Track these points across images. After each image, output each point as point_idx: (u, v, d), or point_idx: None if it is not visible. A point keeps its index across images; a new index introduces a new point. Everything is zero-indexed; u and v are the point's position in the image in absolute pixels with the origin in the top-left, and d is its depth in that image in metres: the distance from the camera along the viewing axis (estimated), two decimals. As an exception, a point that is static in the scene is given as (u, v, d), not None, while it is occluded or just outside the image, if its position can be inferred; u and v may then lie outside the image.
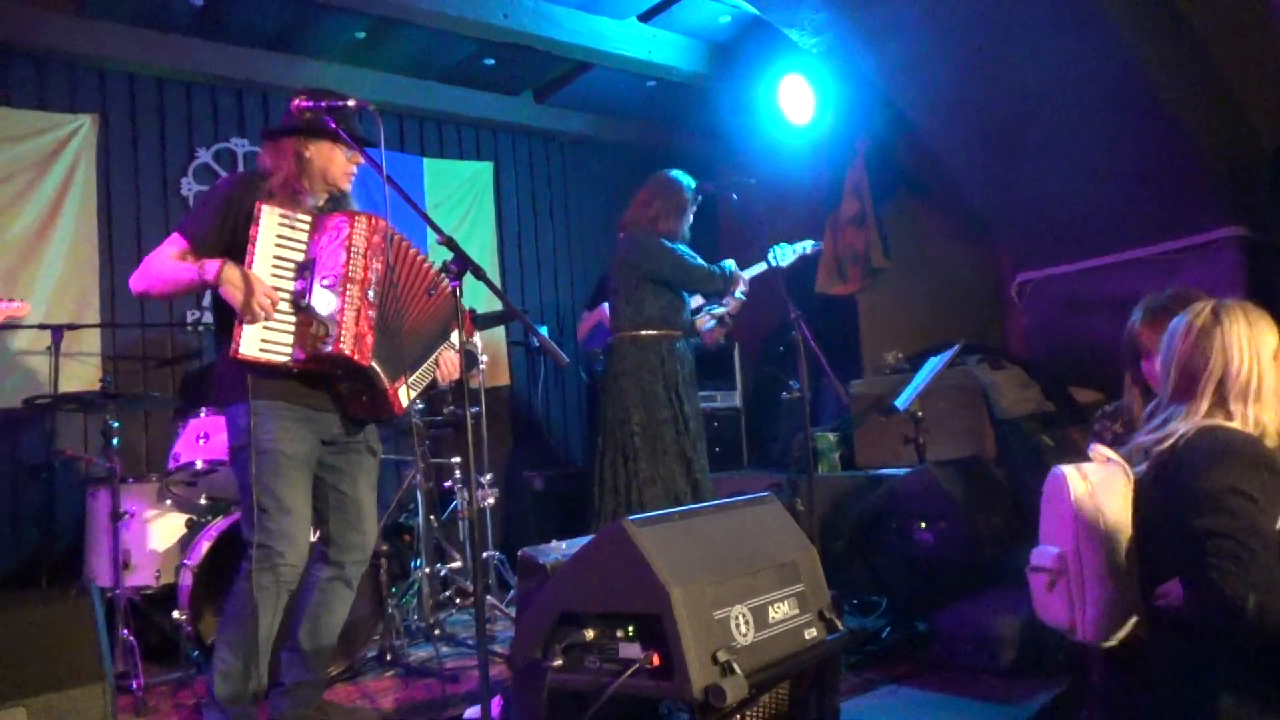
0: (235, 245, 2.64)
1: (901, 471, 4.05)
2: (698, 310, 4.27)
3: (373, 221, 2.72)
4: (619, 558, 1.93)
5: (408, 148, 5.93)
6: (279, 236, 2.66)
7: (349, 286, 2.64)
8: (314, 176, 2.79)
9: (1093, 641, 1.95)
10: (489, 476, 4.56)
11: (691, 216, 4.13)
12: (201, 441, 3.79)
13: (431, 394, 4.55)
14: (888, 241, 5.65)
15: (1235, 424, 1.85)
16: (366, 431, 2.94)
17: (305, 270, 2.66)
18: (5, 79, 4.64)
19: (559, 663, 1.95)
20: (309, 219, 2.71)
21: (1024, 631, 3.15)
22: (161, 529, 3.83)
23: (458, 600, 4.48)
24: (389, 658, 3.64)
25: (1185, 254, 4.48)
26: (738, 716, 1.93)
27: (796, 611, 2.13)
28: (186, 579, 3.45)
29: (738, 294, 4.14)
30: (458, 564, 4.52)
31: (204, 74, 5.11)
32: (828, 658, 2.21)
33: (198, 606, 3.39)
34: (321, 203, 2.84)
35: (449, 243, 2.41)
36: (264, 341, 2.60)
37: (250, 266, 2.59)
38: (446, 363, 3.02)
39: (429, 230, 2.49)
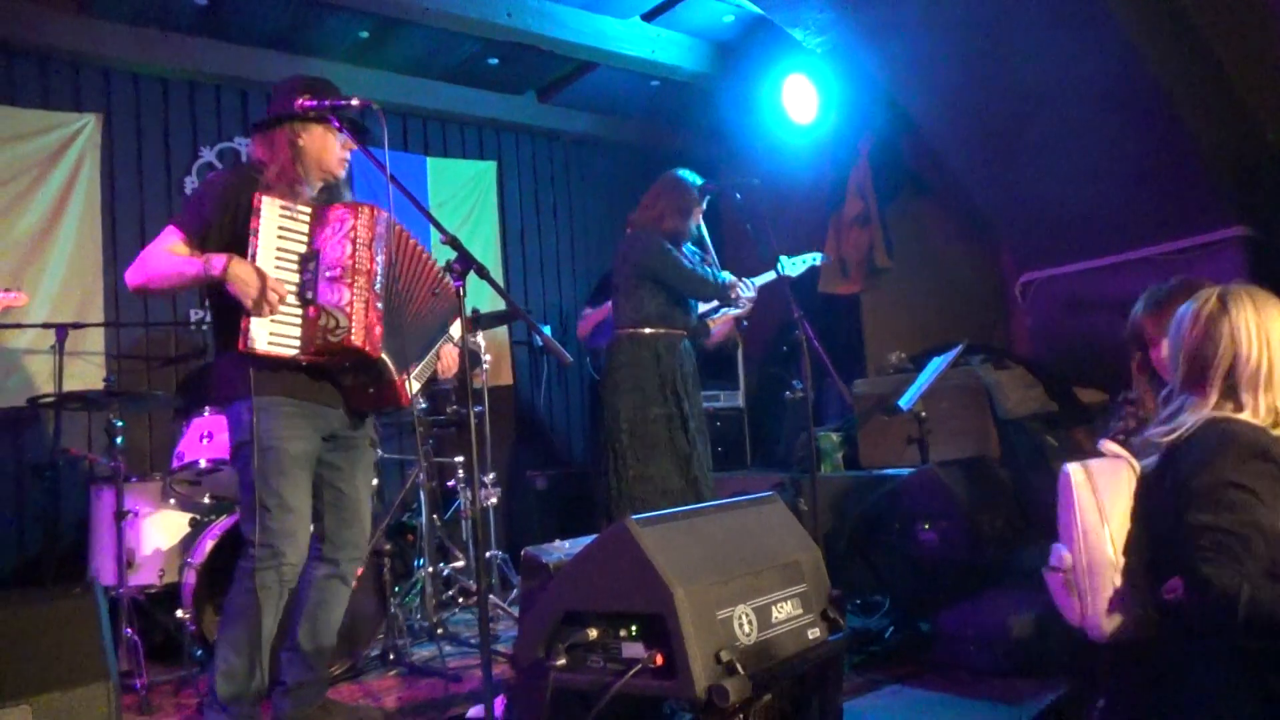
0: (235, 238, 2.61)
1: (905, 471, 4.04)
2: (710, 312, 4.26)
3: (375, 212, 2.70)
4: (622, 557, 1.93)
5: (411, 147, 5.93)
6: (280, 228, 2.62)
7: (356, 278, 2.62)
8: (309, 165, 2.76)
9: (1101, 639, 1.94)
10: (492, 476, 4.56)
11: (698, 216, 4.12)
12: (205, 440, 3.80)
13: (434, 391, 4.57)
14: (891, 241, 5.65)
15: (1245, 414, 1.84)
16: (366, 425, 2.93)
17: (309, 262, 2.63)
18: (9, 78, 4.65)
19: (562, 662, 1.95)
20: (309, 210, 2.68)
21: (1027, 631, 3.14)
22: (165, 528, 3.84)
23: (461, 599, 4.49)
24: (392, 657, 3.65)
25: (1188, 254, 4.47)
26: (740, 716, 1.93)
27: (799, 611, 2.13)
28: (190, 578, 3.45)
29: (745, 295, 4.14)
30: (461, 563, 4.53)
31: (208, 73, 5.12)
32: (831, 658, 2.21)
33: (201, 605, 3.40)
34: (316, 192, 2.82)
35: (453, 242, 2.41)
36: (272, 335, 2.57)
37: (253, 260, 2.55)
38: (447, 355, 3.02)
39: (433, 229, 2.49)
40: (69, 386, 4.08)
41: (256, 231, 2.57)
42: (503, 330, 6.08)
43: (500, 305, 4.70)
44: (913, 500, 3.74)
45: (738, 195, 4.06)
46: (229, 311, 2.60)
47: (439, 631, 3.91)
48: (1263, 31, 4.01)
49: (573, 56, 5.59)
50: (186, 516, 3.84)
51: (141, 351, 4.87)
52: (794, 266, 4.29)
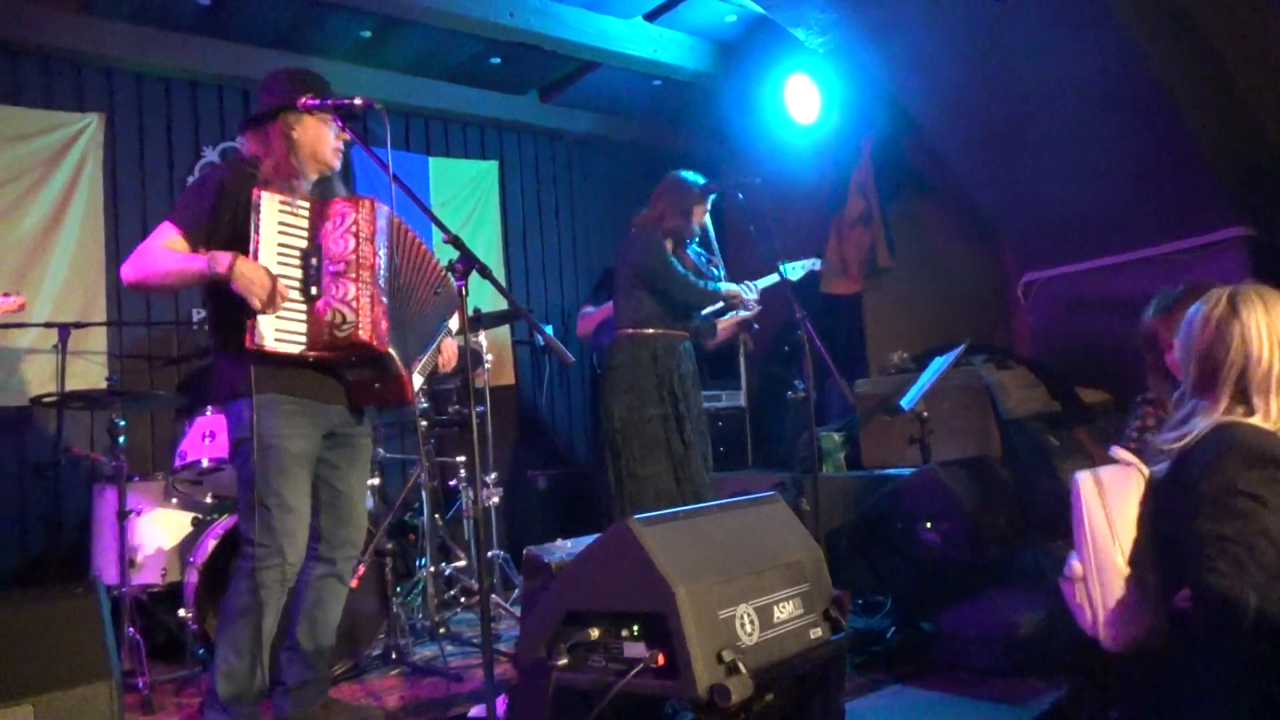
0: (234, 234, 2.59)
1: (906, 471, 4.04)
2: (716, 313, 4.26)
3: (375, 205, 2.69)
4: (624, 557, 1.93)
5: (413, 147, 5.94)
6: (280, 224, 2.59)
7: (361, 272, 2.60)
8: (304, 157, 2.74)
9: (1115, 648, 1.93)
10: (494, 475, 4.57)
11: (700, 215, 4.12)
12: (207, 440, 3.80)
13: (436, 391, 4.57)
14: (893, 241, 5.64)
15: (1257, 418, 1.81)
16: (364, 422, 2.92)
17: (312, 258, 2.61)
18: (12, 78, 4.65)
19: (564, 662, 1.95)
20: (308, 204, 2.66)
21: (1029, 632, 3.14)
22: (167, 527, 3.84)
23: (463, 599, 4.49)
24: (394, 656, 3.65)
25: (1190, 254, 4.47)
26: (742, 716, 1.93)
27: (801, 611, 2.13)
28: (192, 577, 3.45)
29: (748, 298, 4.16)
30: (462, 563, 4.53)
31: (210, 73, 5.12)
32: (832, 657, 2.21)
33: (203, 605, 3.40)
34: (312, 185, 2.80)
35: (455, 241, 2.41)
36: (278, 332, 2.54)
37: (255, 256, 2.53)
38: (447, 348, 3.01)
39: (435, 229, 2.49)
40: (71, 386, 4.09)
41: (258, 228, 2.54)
42: (505, 330, 6.08)
43: (502, 304, 4.70)
44: (914, 500, 3.74)
45: (740, 195, 4.07)
46: (229, 309, 2.57)
47: (441, 631, 3.91)
48: (1264, 31, 4.01)
49: (575, 56, 5.59)
50: (189, 516, 3.84)
51: (144, 351, 4.88)
52: (792, 272, 4.31)
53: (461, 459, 4.57)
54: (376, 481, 4.24)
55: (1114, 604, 1.90)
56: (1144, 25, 3.98)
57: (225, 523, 3.53)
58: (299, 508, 2.68)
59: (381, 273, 2.67)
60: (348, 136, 2.79)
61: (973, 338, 4.64)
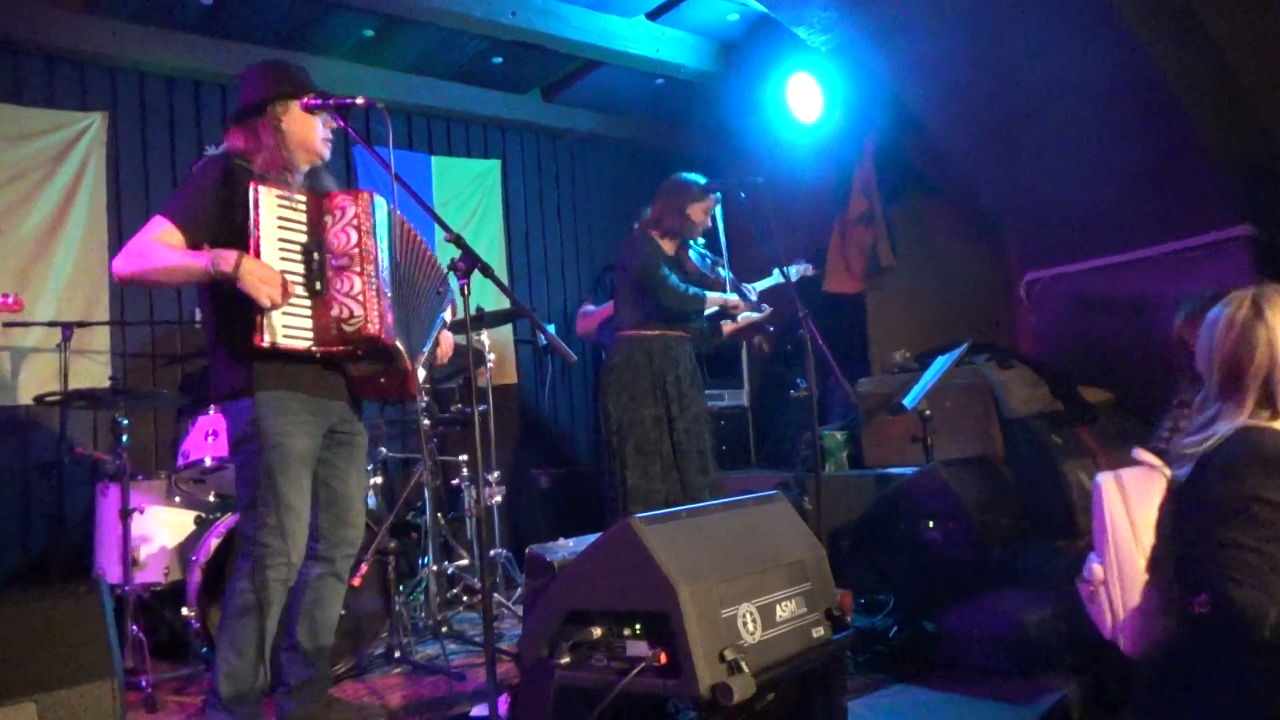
0: (230, 229, 2.56)
1: (909, 470, 4.04)
2: (719, 316, 4.26)
3: (375, 198, 2.68)
4: (626, 556, 1.93)
5: (416, 146, 5.94)
6: (280, 218, 2.57)
7: (365, 266, 2.59)
8: (294, 148, 2.71)
9: (1133, 653, 1.91)
10: (496, 474, 4.56)
11: (700, 212, 4.12)
12: (210, 439, 3.80)
13: (438, 390, 4.57)
14: (896, 240, 5.64)
15: None
16: (360, 420, 2.92)
17: (313, 252, 2.59)
18: (15, 77, 4.66)
19: (566, 660, 1.95)
20: (305, 198, 2.64)
21: (1032, 631, 3.14)
22: (170, 526, 3.84)
23: (465, 598, 4.49)
24: (396, 655, 3.65)
25: (1195, 253, 4.46)
26: (744, 715, 1.93)
27: (804, 610, 2.13)
28: (195, 576, 3.45)
29: (747, 301, 4.18)
30: (465, 562, 4.53)
31: (213, 72, 5.12)
32: (834, 656, 2.21)
33: (206, 603, 3.40)
34: (304, 176, 2.78)
35: (457, 240, 2.41)
36: (285, 328, 2.53)
37: (256, 253, 2.50)
38: (445, 339, 3.01)
39: (437, 228, 2.48)
40: (75, 385, 4.09)
41: (258, 224, 2.52)
42: (507, 329, 6.08)
43: (505, 304, 4.70)
44: (917, 499, 3.74)
45: (742, 195, 4.07)
46: (229, 307, 2.55)
47: (443, 630, 3.91)
48: (1269, 29, 4.00)
49: (577, 55, 5.59)
50: (191, 514, 3.85)
51: (147, 350, 4.89)
52: (791, 275, 4.32)
53: (464, 458, 4.57)
54: (379, 480, 4.25)
55: (1134, 608, 1.88)
56: (1148, 24, 3.97)
57: (228, 521, 3.53)
58: (300, 507, 2.67)
59: (384, 265, 2.66)
60: (335, 125, 2.76)
61: (975, 337, 4.65)
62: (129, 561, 3.53)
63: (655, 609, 1.85)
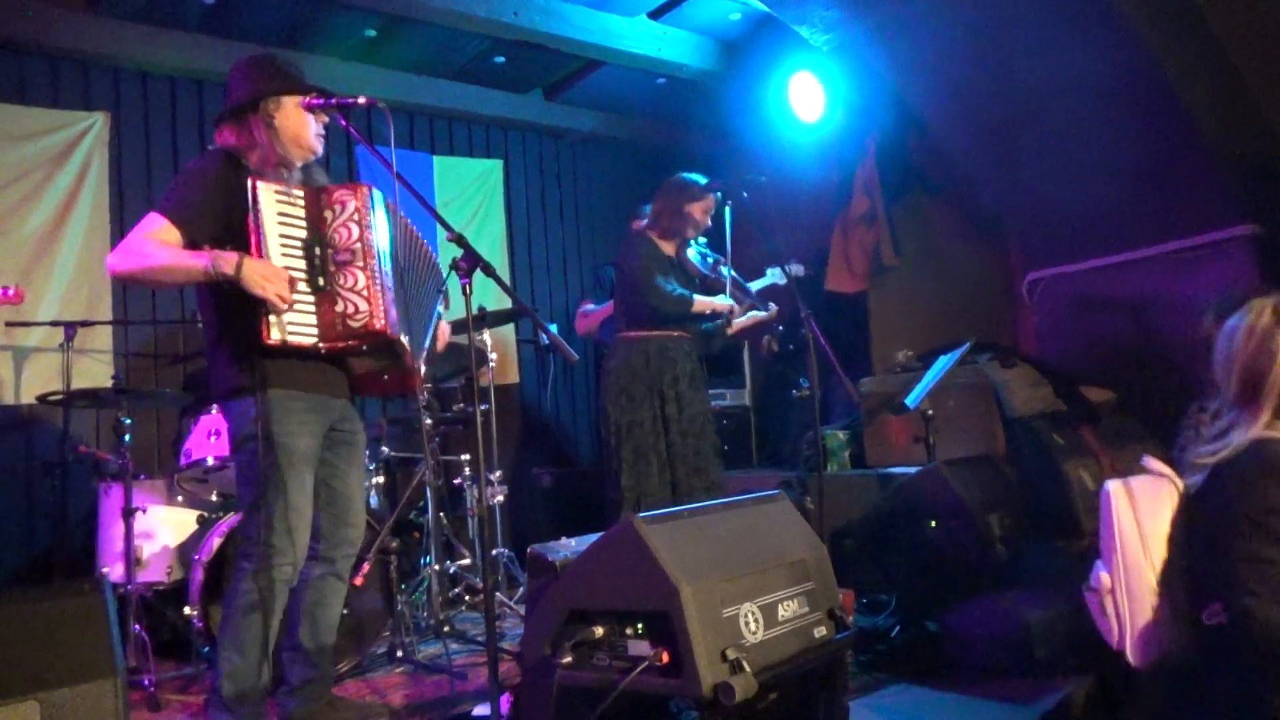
0: (228, 225, 2.54)
1: (911, 470, 4.04)
2: (715, 317, 4.25)
3: (372, 191, 2.68)
4: (628, 555, 1.93)
5: (418, 145, 5.94)
6: (280, 215, 2.55)
7: (367, 261, 2.58)
8: (288, 143, 2.68)
9: (1140, 663, 1.90)
10: (498, 474, 4.56)
11: (699, 211, 4.11)
12: (212, 438, 3.80)
13: (440, 390, 4.57)
14: (898, 239, 5.64)
15: None
16: (360, 419, 2.91)
17: (315, 247, 2.57)
18: (18, 77, 4.66)
19: (568, 660, 1.95)
20: (302, 193, 2.63)
21: (1034, 631, 3.14)
22: (173, 525, 3.85)
23: (467, 597, 4.50)
24: (399, 654, 3.65)
25: (1198, 252, 4.45)
26: (746, 715, 1.93)
27: (806, 610, 2.13)
28: (198, 575, 3.46)
29: (740, 305, 4.19)
30: (467, 561, 4.53)
31: (216, 71, 5.12)
32: (836, 656, 2.21)
33: (208, 602, 3.40)
34: (297, 171, 2.76)
35: (459, 240, 2.41)
36: (290, 325, 2.51)
37: (258, 251, 2.49)
38: (442, 331, 3.01)
39: (439, 227, 2.48)
40: (77, 384, 4.10)
41: (259, 222, 2.50)
42: (509, 328, 6.08)
43: (507, 303, 4.70)
44: (919, 499, 3.74)
45: (744, 194, 4.07)
46: (230, 306, 2.54)
47: (445, 629, 3.91)
48: (1271, 28, 3.99)
49: (579, 54, 5.58)
50: (194, 513, 3.85)
51: (149, 349, 4.89)
52: (775, 275, 4.33)
53: (466, 457, 4.57)
54: (381, 480, 4.25)
55: (1143, 620, 1.86)
56: (1150, 23, 3.97)
57: (230, 520, 3.53)
58: (302, 506, 2.66)
59: (385, 260, 2.65)
60: (327, 120, 2.76)
61: (978, 336, 4.64)
62: (131, 560, 3.53)
63: (657, 608, 1.85)
